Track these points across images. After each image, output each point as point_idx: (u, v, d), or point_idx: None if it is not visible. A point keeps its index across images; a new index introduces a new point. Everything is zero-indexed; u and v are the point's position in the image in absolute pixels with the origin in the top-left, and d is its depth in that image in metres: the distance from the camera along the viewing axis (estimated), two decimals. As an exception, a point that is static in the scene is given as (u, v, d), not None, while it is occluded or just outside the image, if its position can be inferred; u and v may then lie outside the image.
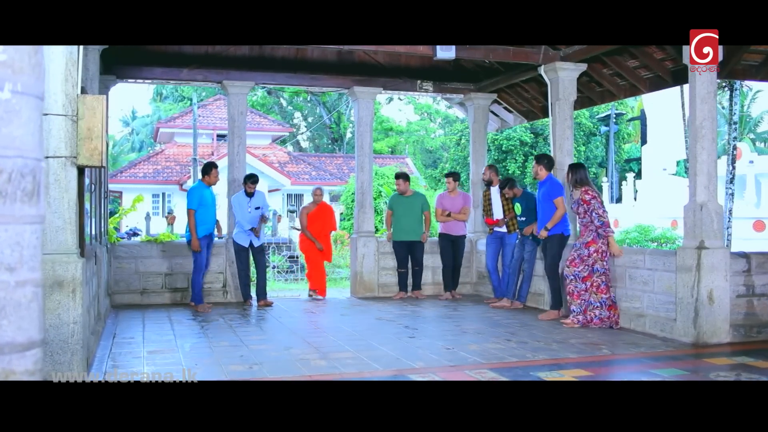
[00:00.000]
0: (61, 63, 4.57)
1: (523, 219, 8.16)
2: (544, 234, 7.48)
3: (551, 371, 5.14)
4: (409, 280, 9.45)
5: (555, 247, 7.49)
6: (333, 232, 10.52)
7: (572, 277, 6.98)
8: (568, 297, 7.10)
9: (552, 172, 7.99)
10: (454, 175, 9.53)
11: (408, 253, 9.32)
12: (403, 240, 9.30)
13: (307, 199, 9.72)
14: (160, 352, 5.69)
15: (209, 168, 8.13)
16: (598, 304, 6.90)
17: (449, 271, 9.32)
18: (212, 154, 28.84)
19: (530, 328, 6.90)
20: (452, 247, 9.26)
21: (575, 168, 7.25)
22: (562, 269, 7.21)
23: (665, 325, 6.40)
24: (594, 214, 6.87)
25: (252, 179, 8.50)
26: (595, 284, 6.90)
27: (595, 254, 6.90)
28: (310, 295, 9.43)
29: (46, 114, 4.57)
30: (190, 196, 7.99)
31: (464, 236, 9.37)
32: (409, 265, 9.39)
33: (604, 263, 6.90)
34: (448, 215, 9.12)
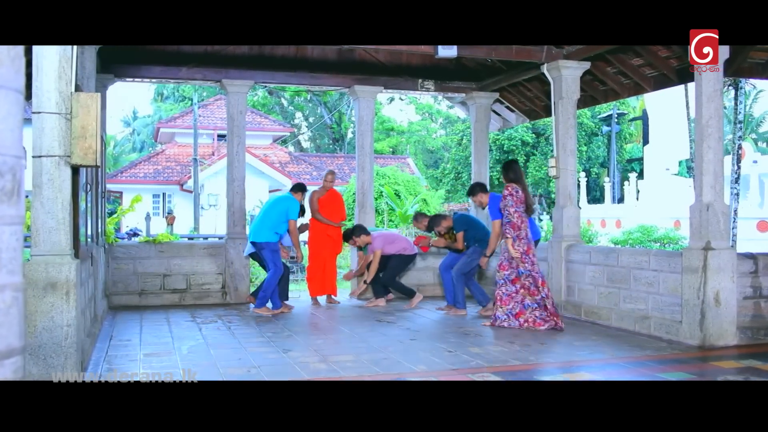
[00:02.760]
0: (55, 60, 4.48)
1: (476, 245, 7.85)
2: (484, 262, 7.35)
3: (555, 375, 5.04)
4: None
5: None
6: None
7: (502, 281, 6.91)
8: (497, 302, 6.97)
9: (556, 172, 7.98)
10: (353, 233, 8.74)
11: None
12: None
13: (307, 200, 9.36)
14: (157, 355, 5.59)
15: (303, 188, 8.26)
16: (536, 305, 6.83)
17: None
18: (213, 154, 28.81)
19: (533, 331, 6.79)
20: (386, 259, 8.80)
21: (506, 166, 7.12)
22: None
23: (670, 328, 6.29)
24: (505, 210, 6.81)
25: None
26: (524, 286, 6.83)
27: (525, 256, 6.83)
28: (329, 302, 8.85)
29: (39, 112, 4.49)
30: (293, 207, 7.88)
31: (399, 255, 8.61)
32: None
33: (527, 265, 6.79)
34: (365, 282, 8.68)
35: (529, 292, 6.85)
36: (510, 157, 28.65)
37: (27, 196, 4.71)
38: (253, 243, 8.01)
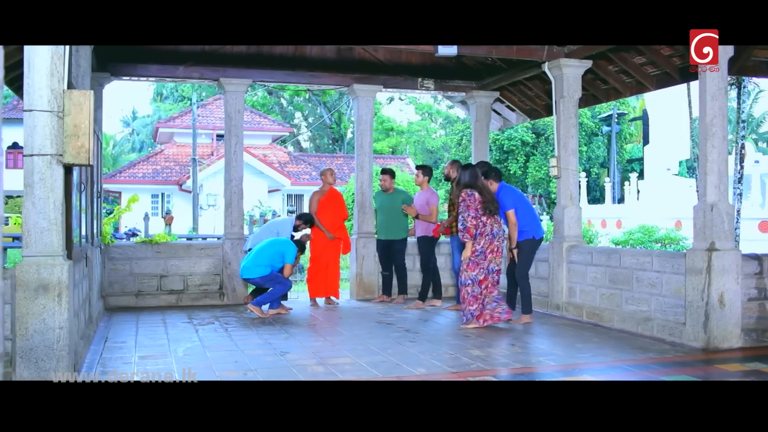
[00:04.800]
0: (47, 57, 4.39)
1: None
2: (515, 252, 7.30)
3: (557, 378, 4.95)
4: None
5: (526, 253, 7.24)
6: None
7: (469, 281, 6.82)
8: (462, 303, 6.92)
9: (557, 171, 7.90)
10: (423, 169, 8.77)
11: (387, 253, 8.96)
12: (381, 239, 8.98)
13: (307, 200, 9.25)
14: (152, 357, 5.50)
15: (303, 248, 8.08)
16: (494, 303, 6.84)
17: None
18: (212, 154, 28.72)
19: (533, 333, 6.69)
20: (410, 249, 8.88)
21: (464, 169, 7.08)
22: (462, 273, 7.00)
23: (674, 330, 6.20)
24: (460, 216, 6.81)
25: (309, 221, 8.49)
26: (489, 285, 6.82)
27: (490, 255, 6.79)
28: (327, 303, 8.75)
29: (31, 110, 4.39)
30: (290, 252, 7.74)
31: (424, 237, 8.53)
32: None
33: (481, 261, 6.78)
34: (416, 216, 8.48)
35: (489, 291, 6.83)
36: (510, 157, 28.62)
37: (19, 196, 4.63)
38: (245, 280, 7.97)
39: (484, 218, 6.78)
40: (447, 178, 8.35)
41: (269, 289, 7.76)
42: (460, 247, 7.92)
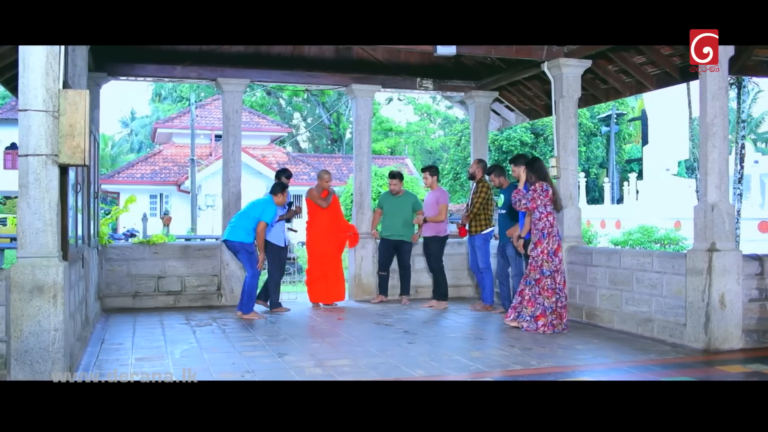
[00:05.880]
0: (42, 56, 4.35)
1: (503, 212, 7.73)
2: (520, 244, 7.19)
3: (557, 379, 4.91)
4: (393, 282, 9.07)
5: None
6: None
7: (530, 281, 6.74)
8: (524, 302, 6.77)
9: (557, 172, 7.85)
10: (430, 170, 8.77)
11: (394, 253, 8.89)
12: (391, 238, 8.84)
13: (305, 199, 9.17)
14: (149, 359, 5.45)
15: (284, 186, 7.99)
16: (550, 309, 6.66)
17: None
18: (210, 155, 28.68)
19: (534, 333, 6.65)
20: (423, 250, 8.84)
21: (533, 163, 6.93)
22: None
23: (674, 331, 6.16)
24: (536, 212, 6.70)
25: (287, 174, 8.45)
26: (543, 287, 6.66)
27: (541, 255, 6.67)
28: (328, 304, 8.62)
29: (26, 110, 4.36)
30: (268, 211, 7.65)
31: (435, 237, 8.57)
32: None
33: (551, 265, 6.64)
34: (425, 220, 8.48)
35: (546, 293, 6.66)
36: (508, 158, 28.57)
37: (15, 197, 4.59)
38: (225, 242, 7.74)
39: (550, 218, 6.70)
40: (472, 177, 8.34)
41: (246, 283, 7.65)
42: (482, 246, 8.03)
